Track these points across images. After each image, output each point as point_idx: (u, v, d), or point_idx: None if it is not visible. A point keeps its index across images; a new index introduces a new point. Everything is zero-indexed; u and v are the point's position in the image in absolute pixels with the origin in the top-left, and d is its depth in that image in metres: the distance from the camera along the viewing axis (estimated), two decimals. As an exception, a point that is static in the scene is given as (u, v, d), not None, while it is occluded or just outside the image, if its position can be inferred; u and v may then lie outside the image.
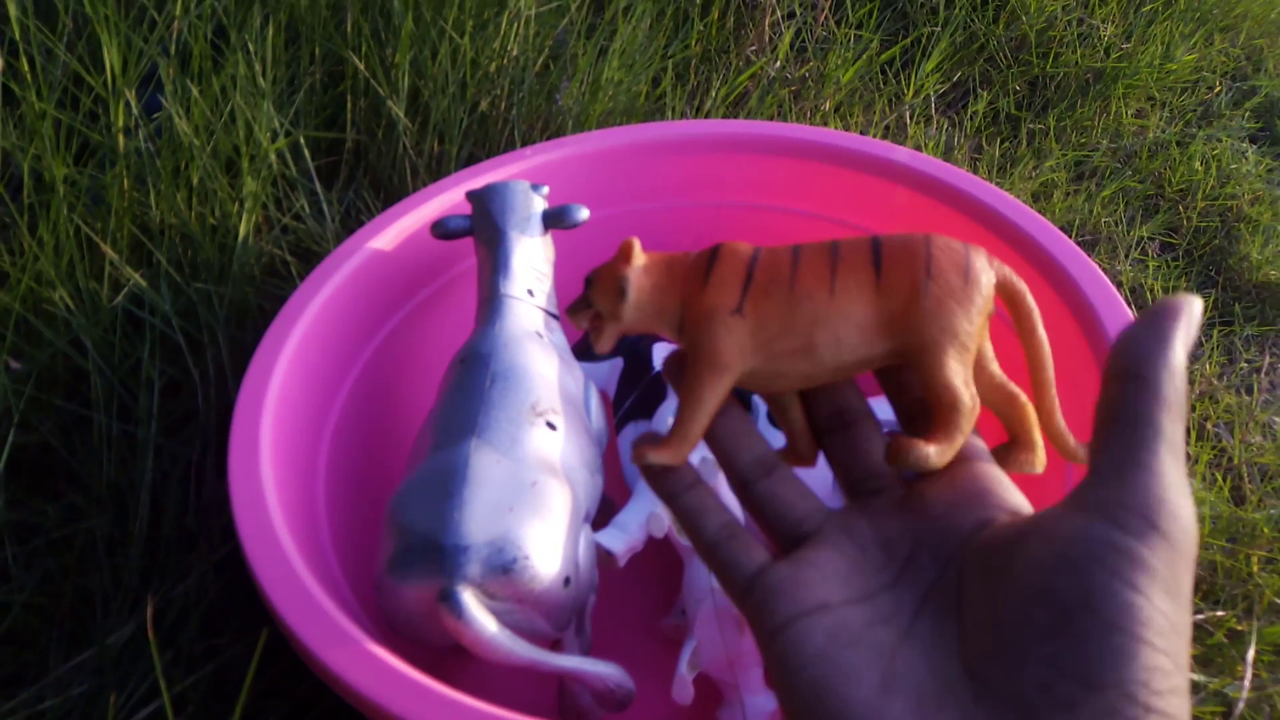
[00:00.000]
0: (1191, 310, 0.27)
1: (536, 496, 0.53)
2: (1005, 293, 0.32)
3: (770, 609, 0.28)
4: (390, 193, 0.94)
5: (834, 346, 0.31)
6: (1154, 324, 0.27)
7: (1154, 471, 0.25)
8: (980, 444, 0.32)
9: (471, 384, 0.59)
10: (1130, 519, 0.25)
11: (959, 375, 0.30)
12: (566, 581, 0.53)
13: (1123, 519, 0.25)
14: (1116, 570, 0.24)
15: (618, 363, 0.80)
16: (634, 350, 0.79)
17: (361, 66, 0.92)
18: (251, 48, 0.85)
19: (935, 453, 0.30)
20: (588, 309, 0.34)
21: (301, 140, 0.88)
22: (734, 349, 0.31)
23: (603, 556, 0.61)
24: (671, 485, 0.32)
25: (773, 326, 0.31)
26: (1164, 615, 0.24)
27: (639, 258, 0.33)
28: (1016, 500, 0.29)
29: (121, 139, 0.77)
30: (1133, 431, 0.26)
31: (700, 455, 0.64)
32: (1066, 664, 0.24)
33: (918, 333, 0.30)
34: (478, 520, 0.51)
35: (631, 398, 0.77)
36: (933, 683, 0.26)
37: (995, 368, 0.32)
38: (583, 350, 0.82)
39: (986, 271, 0.31)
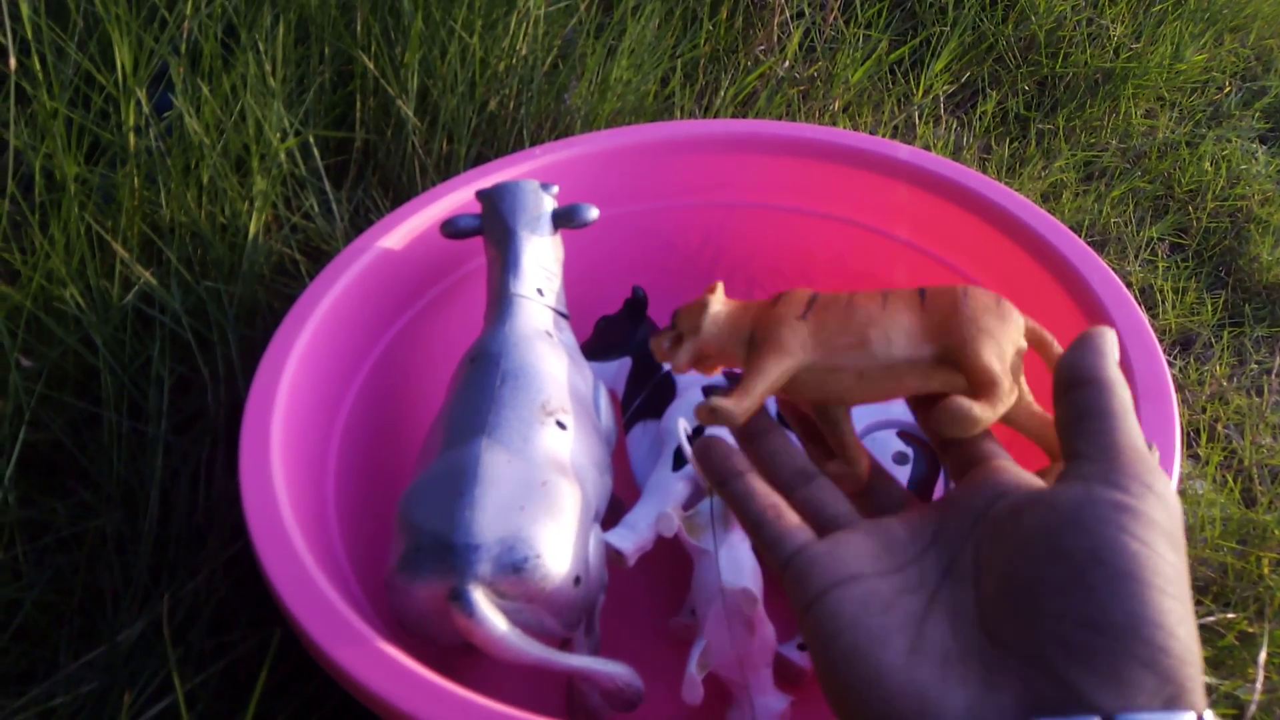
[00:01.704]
0: (1112, 338, 0.32)
1: (547, 496, 0.53)
2: (1033, 339, 0.36)
3: (806, 580, 0.31)
4: (399, 192, 0.94)
5: (885, 342, 0.35)
6: (1091, 345, 0.31)
7: (1134, 447, 0.29)
8: (999, 447, 0.35)
9: (482, 383, 0.59)
10: (1127, 482, 0.27)
11: (996, 363, 0.33)
12: (577, 581, 0.52)
13: (1120, 482, 0.27)
14: (1122, 525, 0.26)
15: (626, 362, 0.80)
16: (643, 350, 0.79)
17: (371, 66, 0.92)
18: (261, 47, 0.85)
19: (979, 408, 0.33)
20: (671, 331, 0.40)
21: (311, 139, 0.88)
22: (796, 341, 0.35)
23: (612, 556, 0.61)
24: (721, 473, 0.35)
25: (831, 326, 0.35)
26: (1169, 563, 0.26)
27: (721, 294, 0.40)
28: (1031, 481, 0.32)
29: (132, 138, 0.78)
30: (1105, 421, 0.29)
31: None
32: (1080, 614, 0.25)
33: (958, 333, 0.34)
34: (489, 519, 0.51)
35: (640, 397, 0.77)
36: (957, 648, 0.28)
37: (1031, 398, 0.36)
38: (592, 350, 0.82)
39: (1016, 311, 0.35)
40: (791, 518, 0.33)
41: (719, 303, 0.38)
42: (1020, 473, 0.32)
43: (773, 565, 0.33)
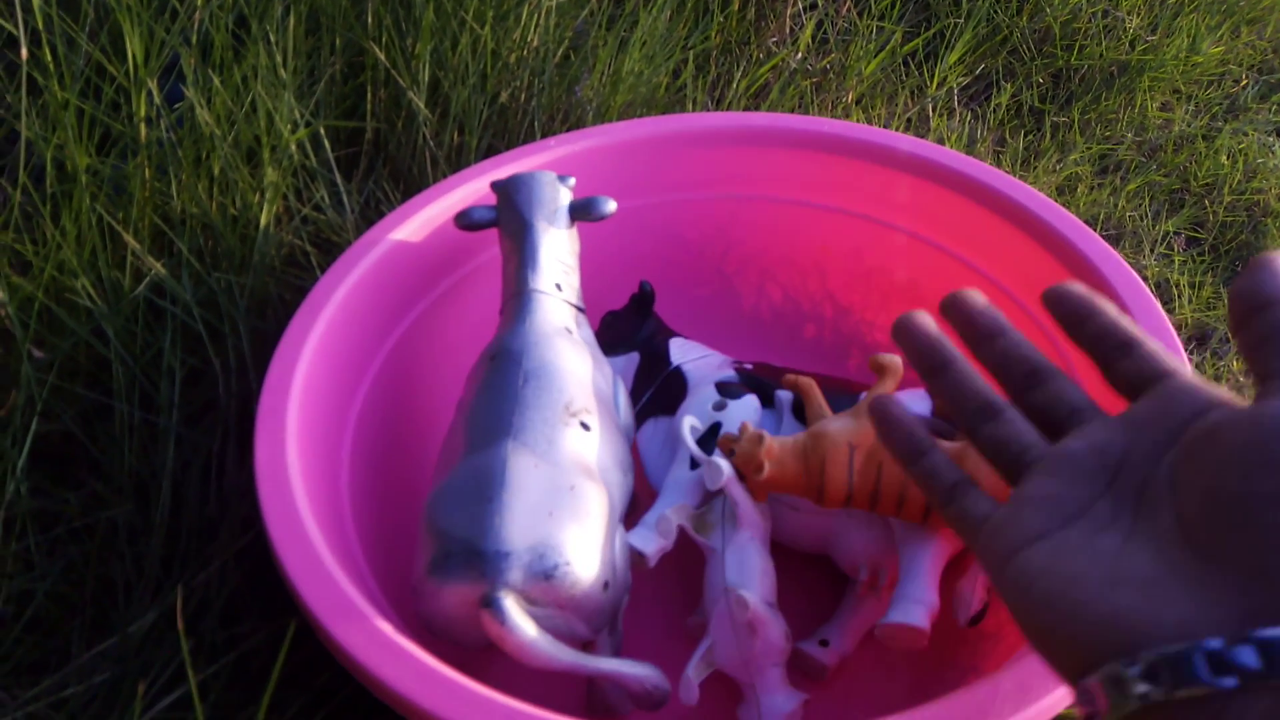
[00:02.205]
0: None
1: (575, 500, 0.53)
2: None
3: (994, 547, 0.31)
4: (410, 184, 0.93)
5: None
6: (1266, 268, 0.30)
7: None
8: (1180, 362, 0.34)
9: (503, 383, 0.59)
10: None
11: None
12: (605, 585, 0.52)
13: None
14: None
15: (634, 357, 0.80)
16: (650, 345, 0.79)
17: (382, 57, 0.91)
18: (272, 38, 0.84)
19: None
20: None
21: (322, 131, 0.88)
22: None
23: (634, 557, 0.61)
24: (906, 452, 0.35)
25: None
26: None
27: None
28: (1216, 393, 0.31)
29: (143, 129, 0.77)
30: None
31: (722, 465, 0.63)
32: None
33: None
34: (518, 525, 0.50)
35: (649, 392, 0.77)
36: (1161, 571, 0.27)
37: None
38: (599, 346, 0.81)
39: None
40: (975, 492, 0.34)
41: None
42: (1212, 388, 0.31)
43: (964, 537, 0.33)
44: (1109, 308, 0.34)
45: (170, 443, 0.68)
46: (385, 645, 0.46)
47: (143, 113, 0.77)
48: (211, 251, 0.79)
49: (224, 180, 0.81)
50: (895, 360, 0.63)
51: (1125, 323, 0.34)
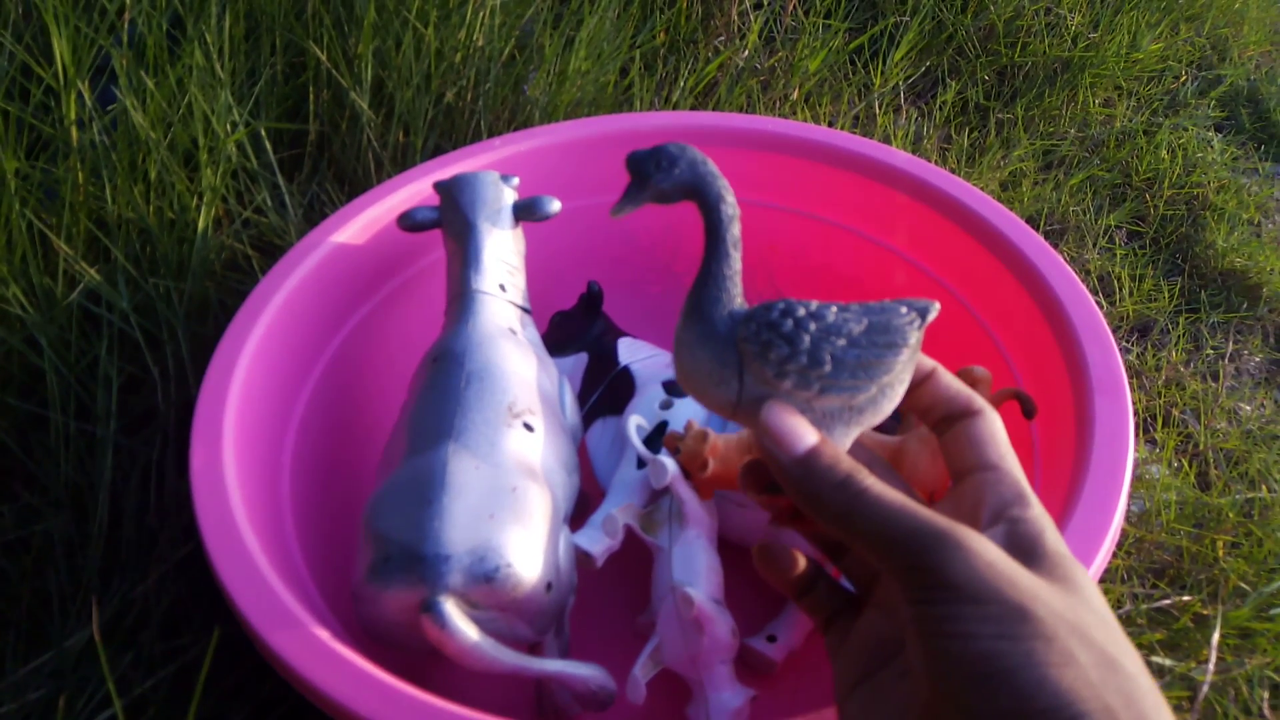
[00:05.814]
0: None
1: (517, 502, 0.52)
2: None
3: (838, 685, 0.38)
4: (355, 185, 0.92)
5: None
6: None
7: None
8: (985, 454, 0.36)
9: (446, 385, 0.58)
10: None
11: None
12: (549, 587, 0.52)
13: None
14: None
15: (582, 358, 0.79)
16: (599, 345, 0.79)
17: (323, 57, 0.90)
18: (209, 38, 0.83)
19: None
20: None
21: (262, 132, 0.86)
22: None
23: (581, 557, 0.60)
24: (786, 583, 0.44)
25: None
26: None
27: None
28: (1012, 498, 0.34)
29: (75, 132, 0.75)
30: None
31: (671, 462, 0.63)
32: None
33: None
34: (458, 528, 0.50)
35: (597, 393, 0.77)
36: None
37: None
38: (548, 346, 0.81)
39: None
40: (820, 592, 0.42)
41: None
42: (1000, 487, 0.35)
43: (829, 650, 0.40)
44: None
45: (108, 452, 0.67)
46: (322, 652, 0.46)
47: (73, 115, 0.75)
48: (148, 257, 0.77)
49: (160, 184, 0.79)
50: None
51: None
